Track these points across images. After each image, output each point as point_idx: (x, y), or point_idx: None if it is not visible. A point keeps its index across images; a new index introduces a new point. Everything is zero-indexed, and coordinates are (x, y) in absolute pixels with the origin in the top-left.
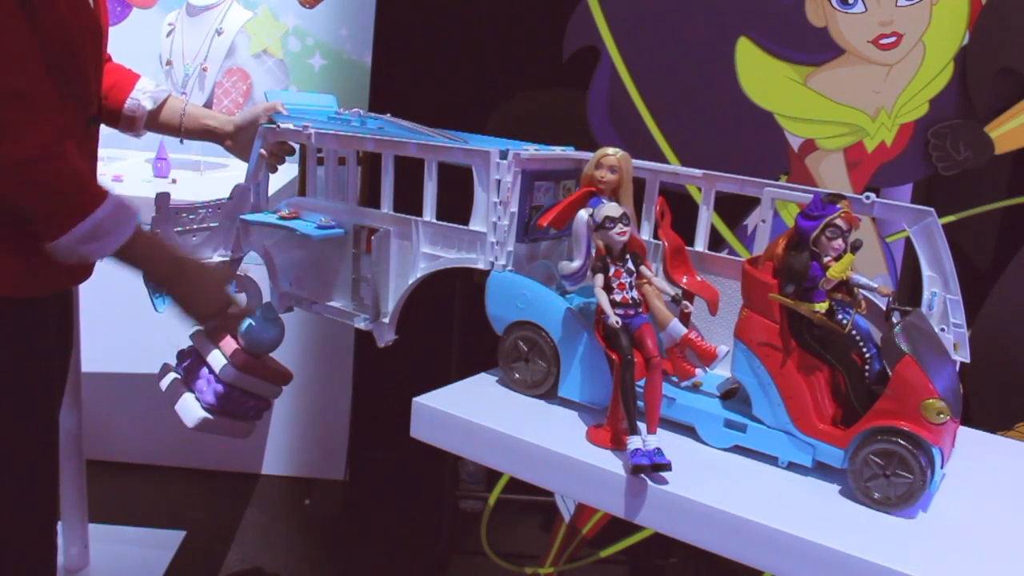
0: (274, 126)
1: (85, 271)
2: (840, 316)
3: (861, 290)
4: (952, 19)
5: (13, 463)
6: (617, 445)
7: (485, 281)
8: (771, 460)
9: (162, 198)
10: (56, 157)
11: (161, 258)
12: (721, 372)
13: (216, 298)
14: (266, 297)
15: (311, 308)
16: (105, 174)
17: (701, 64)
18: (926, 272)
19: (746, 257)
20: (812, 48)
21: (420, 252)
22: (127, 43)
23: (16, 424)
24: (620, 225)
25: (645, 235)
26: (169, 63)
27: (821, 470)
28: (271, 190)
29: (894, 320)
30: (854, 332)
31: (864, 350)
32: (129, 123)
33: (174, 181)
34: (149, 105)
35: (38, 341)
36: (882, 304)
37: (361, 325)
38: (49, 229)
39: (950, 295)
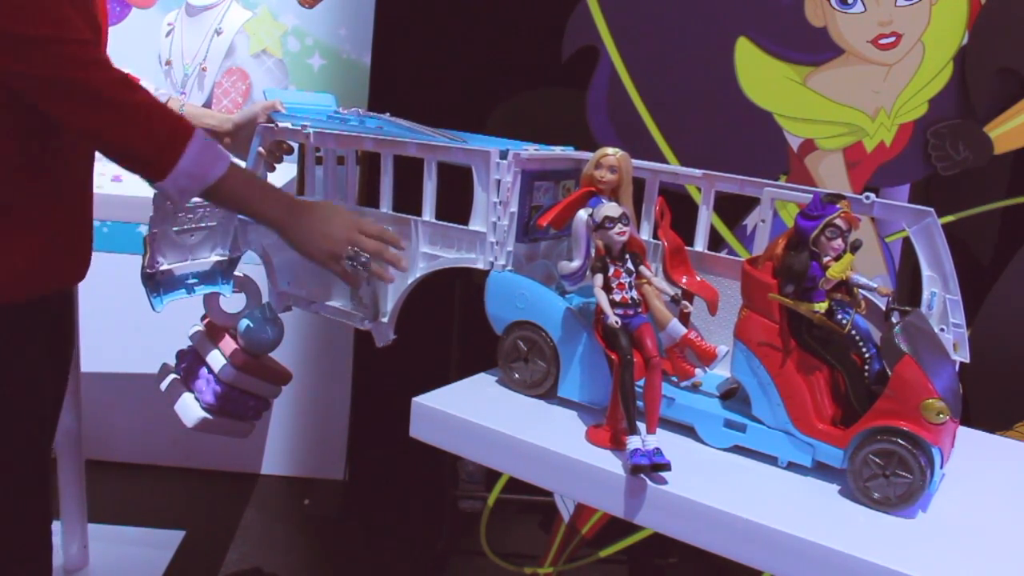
0: (272, 125)
1: (71, 272)
2: (840, 316)
3: (861, 290)
4: (951, 19)
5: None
6: (616, 445)
7: (484, 281)
8: (771, 460)
9: (160, 197)
10: (137, 85)
11: (262, 195)
12: (721, 372)
13: (338, 234)
14: (265, 297)
15: (309, 308)
16: (104, 174)
17: (700, 64)
18: (926, 272)
19: (745, 257)
20: (811, 48)
21: (419, 252)
22: (126, 43)
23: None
24: (619, 225)
25: (645, 235)
26: (168, 63)
27: (821, 470)
28: None
29: (894, 320)
30: (853, 332)
31: (864, 350)
32: None
33: None
34: None
35: (23, 348)
36: (882, 304)
37: (360, 325)
38: (164, 159)
39: (950, 295)
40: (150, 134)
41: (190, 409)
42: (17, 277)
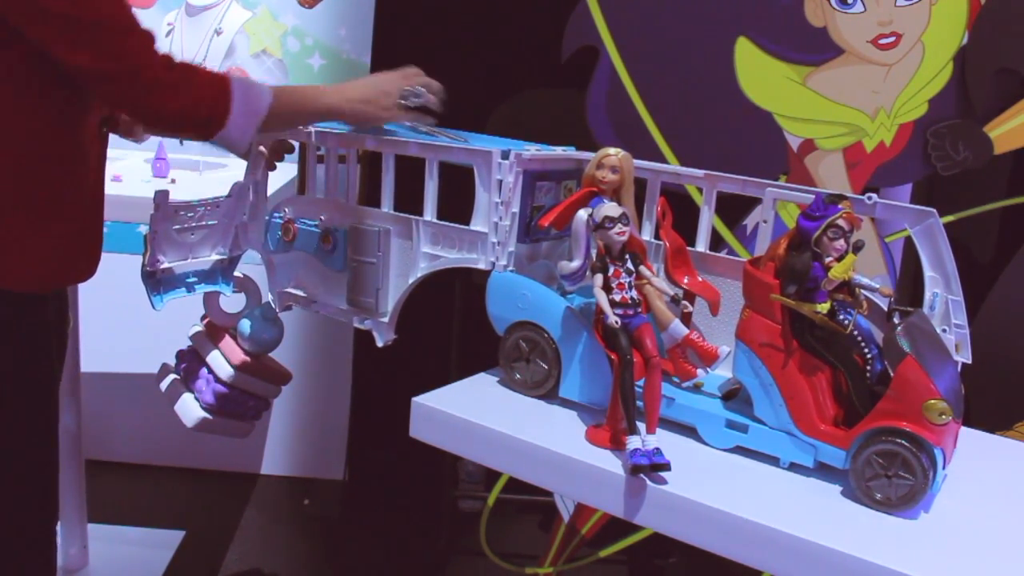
0: None
1: (85, 269)
2: (842, 316)
3: (863, 290)
4: (951, 19)
5: (14, 462)
6: (616, 445)
7: (485, 281)
8: (772, 461)
9: (161, 196)
10: (173, 59)
11: (311, 96)
12: (722, 373)
13: (391, 86)
14: (265, 297)
15: (310, 307)
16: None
17: (700, 64)
18: (928, 273)
19: (745, 257)
20: (811, 48)
21: (420, 252)
22: None
23: (18, 422)
24: (619, 225)
25: (646, 235)
26: None
27: (823, 471)
28: (270, 189)
29: (895, 321)
30: (856, 332)
31: (866, 350)
32: (129, 128)
33: (173, 181)
34: None
35: (41, 339)
36: (883, 304)
37: (360, 324)
38: (218, 113)
39: (952, 296)
40: (199, 99)
41: (190, 409)
42: (42, 268)
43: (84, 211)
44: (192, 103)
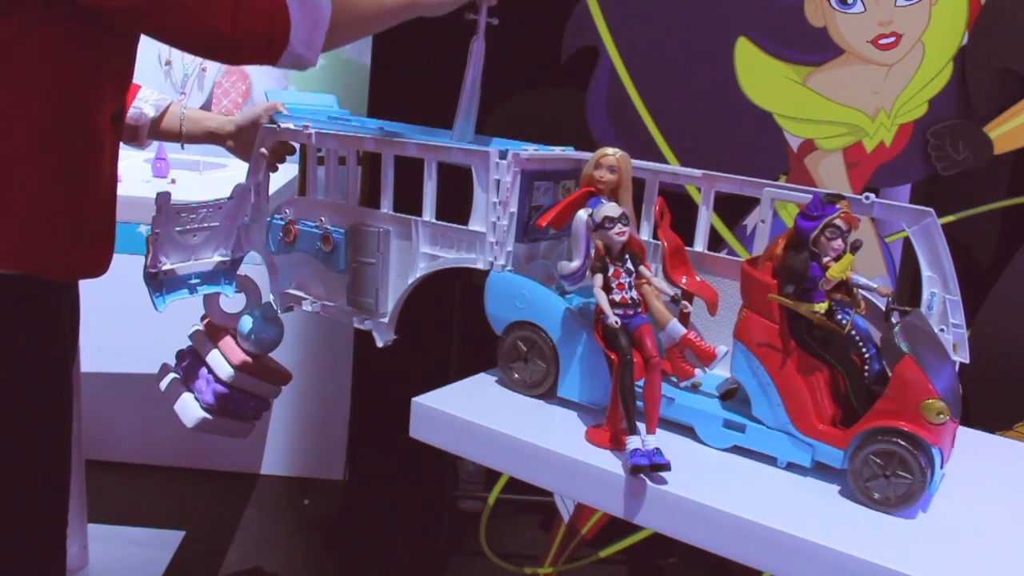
0: (275, 126)
1: (99, 261)
2: (839, 316)
3: (861, 290)
4: (951, 19)
5: (28, 453)
6: (616, 445)
7: (484, 281)
8: (770, 460)
9: (162, 197)
10: None
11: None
12: (720, 372)
13: None
14: (266, 297)
15: (311, 308)
16: None
17: (700, 64)
18: (925, 272)
19: (745, 257)
20: (811, 48)
21: (420, 252)
22: None
23: (32, 410)
24: (619, 225)
25: (644, 235)
26: (168, 63)
27: (820, 470)
28: (271, 190)
29: (893, 320)
30: (853, 332)
31: (863, 350)
32: (132, 133)
33: (173, 181)
34: (151, 113)
35: (56, 328)
36: (881, 304)
37: (360, 325)
38: (277, 35)
39: (949, 295)
40: (257, 22)
41: (190, 409)
42: (59, 254)
43: (99, 201)
44: (250, 27)
